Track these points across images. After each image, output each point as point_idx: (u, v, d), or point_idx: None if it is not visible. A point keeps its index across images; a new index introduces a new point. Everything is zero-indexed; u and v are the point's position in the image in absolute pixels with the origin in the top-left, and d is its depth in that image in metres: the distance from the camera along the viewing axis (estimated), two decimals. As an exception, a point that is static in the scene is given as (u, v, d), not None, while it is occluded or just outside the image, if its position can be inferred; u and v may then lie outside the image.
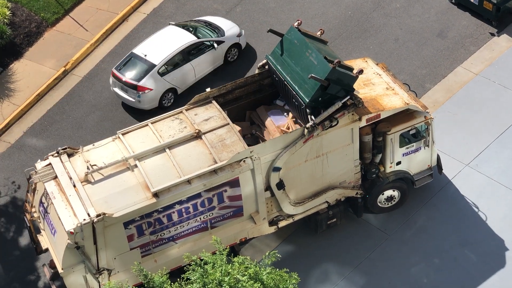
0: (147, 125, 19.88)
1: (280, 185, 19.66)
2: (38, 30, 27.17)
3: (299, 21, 20.11)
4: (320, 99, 19.30)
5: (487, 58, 25.23)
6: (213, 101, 20.27)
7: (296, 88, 19.56)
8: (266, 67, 20.99)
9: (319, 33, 20.50)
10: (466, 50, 25.48)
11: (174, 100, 24.69)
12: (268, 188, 19.76)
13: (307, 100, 19.26)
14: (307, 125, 19.35)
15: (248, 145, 19.34)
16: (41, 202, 19.38)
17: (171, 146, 19.29)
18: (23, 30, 26.96)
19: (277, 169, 19.47)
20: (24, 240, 22.20)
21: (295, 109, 20.18)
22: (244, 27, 26.74)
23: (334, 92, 19.30)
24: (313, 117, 19.86)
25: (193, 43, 24.66)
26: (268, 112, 20.87)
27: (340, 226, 21.60)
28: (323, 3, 27.24)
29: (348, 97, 19.36)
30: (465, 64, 25.09)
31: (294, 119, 20.71)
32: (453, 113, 23.90)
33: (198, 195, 18.95)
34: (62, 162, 19.13)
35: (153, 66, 24.16)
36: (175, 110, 20.23)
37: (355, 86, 20.03)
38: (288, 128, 20.46)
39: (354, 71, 19.52)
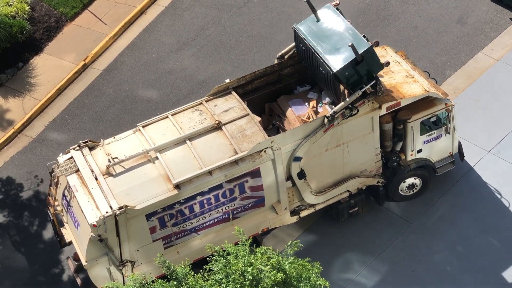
0: (167, 117, 19.92)
1: (301, 174, 19.64)
2: (58, 25, 27.29)
3: (337, 2, 19.95)
4: (347, 73, 18.98)
5: (508, 43, 25.04)
6: (233, 92, 20.27)
7: (326, 57, 19.15)
8: (286, 56, 20.91)
9: (334, 3, 20.23)
10: (486, 36, 25.30)
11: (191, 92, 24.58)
12: (289, 178, 19.75)
13: (337, 69, 18.91)
14: (327, 114, 19.30)
15: (269, 136, 19.33)
16: (63, 195, 19.50)
17: (191, 137, 19.32)
18: (42, 25, 27.09)
19: (298, 159, 19.45)
20: (48, 233, 22.37)
21: (321, 79, 19.79)
22: (261, 18, 26.70)
23: (361, 73, 19.06)
24: (333, 106, 19.81)
25: None
26: (289, 102, 20.85)
27: (362, 215, 21.57)
28: (341, -8, 27.11)
29: (374, 81, 19.15)
30: (485, 50, 24.91)
31: (314, 109, 20.67)
32: (474, 100, 23.76)
33: (220, 186, 18.99)
34: (83, 155, 19.22)
35: None
36: (195, 102, 20.26)
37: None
38: (309, 118, 20.43)
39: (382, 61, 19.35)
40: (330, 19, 19.75)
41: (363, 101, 19.40)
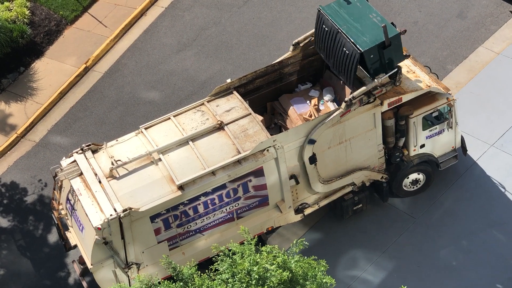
0: (169, 118, 19.93)
1: (313, 159, 19.54)
2: (58, 28, 27.32)
3: None
4: (372, 56, 18.89)
5: (508, 36, 25.01)
6: (234, 92, 20.28)
7: (353, 37, 19.00)
8: (301, 44, 20.55)
9: None
10: (486, 30, 25.28)
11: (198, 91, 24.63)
12: (292, 176, 19.75)
13: (365, 49, 18.74)
14: (346, 99, 19.19)
15: (271, 135, 19.33)
16: (67, 199, 19.52)
17: (194, 138, 19.33)
18: (43, 29, 27.11)
19: (312, 142, 19.38)
20: (53, 237, 22.39)
21: (339, 63, 19.56)
22: (262, 17, 26.71)
23: (385, 59, 19.05)
24: (335, 103, 19.78)
25: None
26: (291, 100, 20.85)
27: (366, 211, 21.57)
28: (340, -11, 27.09)
29: (395, 70, 19.17)
30: (486, 44, 24.89)
31: (316, 107, 20.68)
32: (476, 94, 23.74)
33: (223, 186, 19.00)
34: (86, 158, 19.24)
35: None
36: (196, 102, 20.26)
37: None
38: (311, 116, 20.43)
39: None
40: (357, 4, 19.71)
41: (381, 89, 19.33)
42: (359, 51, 18.80)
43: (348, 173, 20.39)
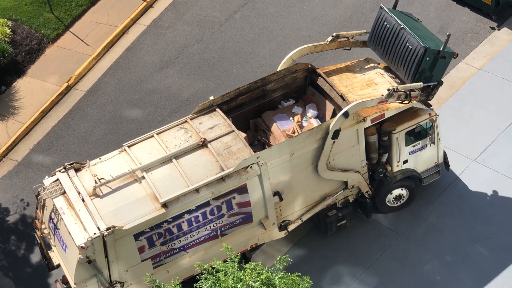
0: (152, 136, 19.91)
1: (337, 133, 19.58)
2: (39, 47, 27.26)
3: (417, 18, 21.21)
4: (428, 58, 19.66)
5: (489, 52, 25.22)
6: (217, 109, 20.30)
7: (417, 34, 19.88)
8: (348, 39, 21.27)
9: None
10: (467, 45, 25.48)
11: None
12: (276, 193, 19.75)
13: (428, 46, 19.61)
14: (389, 88, 19.64)
15: (255, 151, 19.35)
16: (50, 218, 19.41)
17: (177, 156, 19.31)
18: (24, 47, 27.05)
19: (346, 115, 19.49)
20: (36, 257, 22.24)
21: (399, 57, 20.26)
22: (244, 34, 26.79)
23: (430, 68, 19.87)
24: (317, 120, 19.84)
25: None
26: (274, 117, 20.89)
27: (350, 227, 21.59)
28: (322, 6, 27.27)
29: (436, 83, 20.07)
30: (467, 60, 25.08)
31: (299, 123, 20.72)
32: (457, 109, 23.88)
33: (207, 204, 18.97)
34: (69, 177, 19.16)
35: None
36: (179, 120, 20.26)
37: (358, 86, 20.11)
38: (294, 132, 20.48)
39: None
40: (415, 18, 20.98)
41: (417, 95, 19.94)
42: (424, 47, 19.51)
43: (345, 170, 20.40)
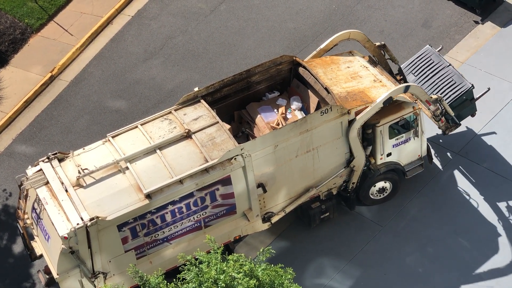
0: (136, 127, 19.86)
1: (391, 100, 20.17)
2: (23, 37, 27.10)
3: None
4: (464, 97, 21.56)
5: (473, 46, 25.33)
6: (202, 100, 20.27)
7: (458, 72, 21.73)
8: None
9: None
10: (451, 39, 25.57)
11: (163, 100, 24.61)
12: (260, 185, 19.78)
13: (470, 86, 21.48)
14: (435, 95, 20.90)
15: (239, 143, 19.35)
16: (33, 208, 19.34)
17: (161, 147, 19.28)
18: (7, 37, 26.88)
19: (407, 89, 20.34)
20: (18, 247, 22.16)
21: (437, 88, 21.76)
22: (229, 25, 26.76)
23: (463, 109, 21.83)
24: (302, 112, 19.85)
25: None
26: (258, 109, 20.90)
27: (334, 219, 21.65)
28: (307, -2, 27.29)
29: (457, 125, 21.83)
30: (450, 53, 25.17)
31: (283, 115, 20.74)
32: (441, 103, 23.98)
33: (191, 195, 18.96)
34: (53, 167, 19.09)
35: None
36: (164, 111, 20.22)
37: (343, 79, 20.17)
38: (278, 124, 20.50)
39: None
40: None
41: (444, 121, 21.49)
42: (471, 84, 21.43)
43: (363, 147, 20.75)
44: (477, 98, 22.14)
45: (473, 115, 22.38)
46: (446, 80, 21.77)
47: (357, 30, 22.45)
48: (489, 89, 22.48)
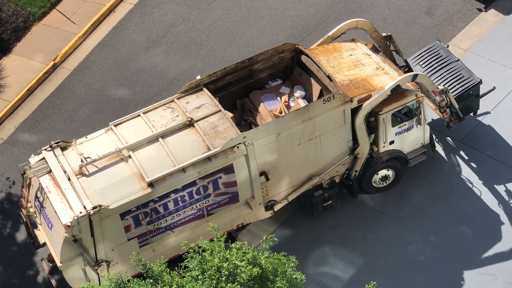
0: (139, 115, 19.86)
1: (398, 88, 20.29)
2: (26, 25, 27.08)
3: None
4: (471, 92, 21.64)
5: (476, 34, 25.25)
6: (204, 89, 20.26)
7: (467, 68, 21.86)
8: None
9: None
10: (454, 27, 25.50)
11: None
12: (262, 173, 19.78)
13: (479, 80, 21.58)
14: (442, 86, 21.15)
15: (241, 131, 19.35)
16: (36, 196, 19.38)
17: (164, 135, 19.29)
18: (10, 25, 26.86)
19: (415, 77, 20.59)
20: (21, 235, 22.22)
21: (450, 82, 21.76)
22: (231, 13, 26.70)
23: (470, 102, 21.94)
24: (305, 100, 19.84)
25: None
26: (261, 97, 20.87)
27: (336, 208, 21.67)
28: (309, -14, 27.19)
29: (460, 119, 21.84)
30: (454, 41, 25.10)
31: (286, 103, 20.72)
32: (444, 90, 23.92)
33: (193, 183, 18.98)
34: (55, 156, 19.12)
35: None
36: (166, 99, 20.22)
37: (345, 67, 20.10)
38: (281, 112, 20.48)
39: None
40: None
41: (448, 113, 21.47)
42: (480, 79, 21.54)
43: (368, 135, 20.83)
44: (482, 95, 22.16)
45: (474, 113, 22.39)
46: (454, 74, 21.80)
47: (364, 19, 22.36)
48: (494, 87, 22.48)
